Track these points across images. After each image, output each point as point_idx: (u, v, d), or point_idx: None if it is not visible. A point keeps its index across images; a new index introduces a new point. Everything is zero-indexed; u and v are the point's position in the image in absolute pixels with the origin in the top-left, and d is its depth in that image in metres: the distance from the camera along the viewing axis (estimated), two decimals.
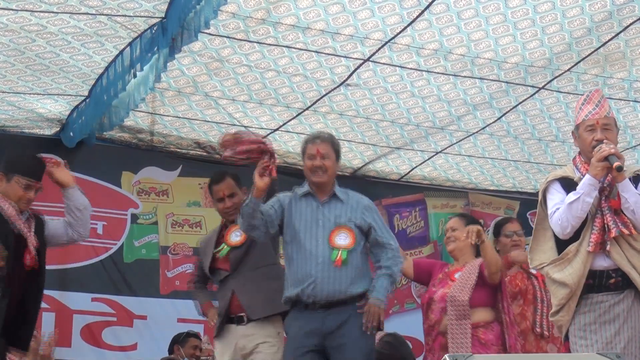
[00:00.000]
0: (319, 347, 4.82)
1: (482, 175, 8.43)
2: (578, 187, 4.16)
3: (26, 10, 5.24)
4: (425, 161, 8.10)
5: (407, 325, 8.02)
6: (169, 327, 7.27)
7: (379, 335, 6.50)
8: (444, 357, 3.52)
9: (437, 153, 7.91)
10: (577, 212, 4.13)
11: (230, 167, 5.73)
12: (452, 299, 5.20)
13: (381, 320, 4.84)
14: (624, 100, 6.81)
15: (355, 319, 4.81)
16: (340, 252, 4.82)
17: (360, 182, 8.33)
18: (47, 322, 6.96)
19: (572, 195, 4.15)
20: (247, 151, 4.82)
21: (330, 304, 4.81)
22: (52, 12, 5.28)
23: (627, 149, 7.65)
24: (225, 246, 5.39)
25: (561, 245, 4.28)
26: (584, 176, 4.20)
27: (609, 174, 4.16)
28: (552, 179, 4.36)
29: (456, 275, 5.35)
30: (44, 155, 7.11)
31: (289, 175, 7.97)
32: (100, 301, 7.24)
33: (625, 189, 4.12)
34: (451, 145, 7.70)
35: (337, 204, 5.00)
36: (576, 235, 4.21)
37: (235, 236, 5.34)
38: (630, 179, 4.21)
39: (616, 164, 4.06)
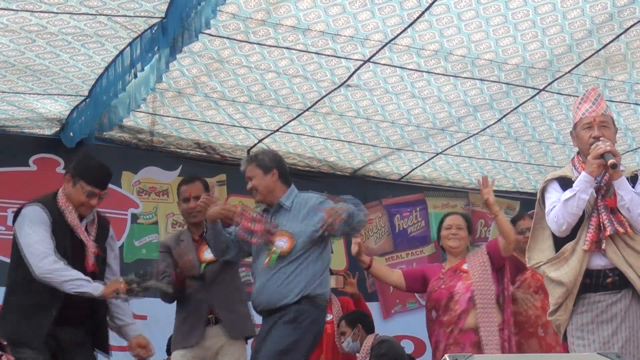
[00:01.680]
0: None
1: (483, 176, 8.41)
2: (574, 184, 4.18)
3: (26, 11, 5.23)
4: (425, 162, 8.10)
5: (410, 324, 8.04)
6: (169, 327, 7.22)
7: (374, 337, 6.53)
8: (444, 357, 3.52)
9: (437, 154, 7.91)
10: (573, 209, 4.14)
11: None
12: (480, 290, 5.34)
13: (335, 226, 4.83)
14: (625, 102, 6.81)
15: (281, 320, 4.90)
16: (270, 255, 4.92)
17: (360, 182, 8.35)
18: None
19: (568, 193, 4.17)
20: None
21: (268, 311, 4.96)
22: (52, 12, 5.27)
23: (628, 151, 7.65)
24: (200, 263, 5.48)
25: (559, 244, 4.29)
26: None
27: (606, 173, 4.17)
28: (550, 179, 4.39)
29: (464, 267, 5.50)
30: (44, 155, 7.22)
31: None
32: None
33: (621, 186, 4.13)
34: (451, 146, 7.70)
35: (285, 213, 5.08)
36: (573, 234, 4.22)
37: (208, 253, 5.38)
38: (628, 178, 4.22)
39: (610, 161, 4.07)
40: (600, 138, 4.20)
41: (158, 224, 7.59)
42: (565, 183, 4.28)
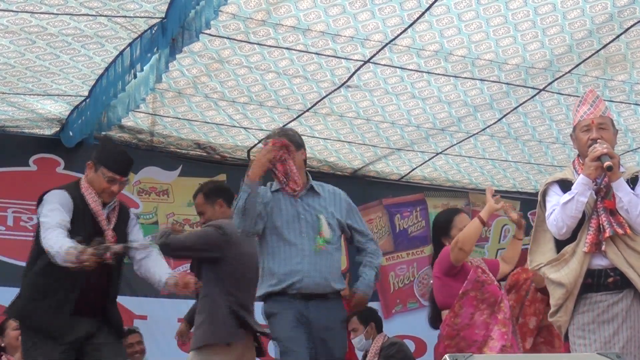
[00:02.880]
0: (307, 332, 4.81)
1: (483, 176, 8.43)
2: (573, 187, 4.19)
3: (26, 12, 5.24)
4: (425, 162, 8.10)
5: (410, 324, 8.04)
6: (169, 327, 7.26)
7: (384, 338, 6.54)
8: (444, 357, 3.52)
9: (437, 154, 7.91)
10: (572, 211, 4.15)
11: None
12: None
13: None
14: (625, 102, 6.81)
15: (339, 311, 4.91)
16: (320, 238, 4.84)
17: (361, 182, 8.35)
18: None
19: (566, 195, 4.18)
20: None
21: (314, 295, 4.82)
22: (52, 13, 5.28)
23: (628, 151, 7.65)
24: None
25: (560, 246, 4.29)
26: None
27: (606, 174, 4.17)
28: (551, 181, 4.39)
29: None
30: (44, 155, 7.22)
31: None
32: None
33: (620, 188, 4.14)
34: (451, 146, 7.70)
35: (315, 196, 4.96)
36: (573, 236, 4.23)
37: None
38: (628, 180, 4.23)
39: (607, 163, 4.08)
40: (598, 140, 4.20)
41: (158, 223, 7.59)
42: (566, 186, 4.28)
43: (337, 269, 4.94)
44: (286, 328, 4.74)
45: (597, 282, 4.18)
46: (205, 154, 7.73)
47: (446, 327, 5.20)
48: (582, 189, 4.14)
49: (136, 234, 5.13)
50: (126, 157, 5.07)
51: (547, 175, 8.29)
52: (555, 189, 4.32)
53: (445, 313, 5.28)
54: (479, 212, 5.49)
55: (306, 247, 4.81)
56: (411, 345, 7.89)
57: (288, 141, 4.88)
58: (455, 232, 5.33)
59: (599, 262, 4.18)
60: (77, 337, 4.79)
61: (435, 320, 5.43)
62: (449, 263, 5.26)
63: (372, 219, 8.42)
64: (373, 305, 7.58)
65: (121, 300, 7.18)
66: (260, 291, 4.90)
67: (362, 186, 8.37)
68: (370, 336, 6.51)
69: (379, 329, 6.61)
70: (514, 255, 5.49)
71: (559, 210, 4.19)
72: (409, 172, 8.36)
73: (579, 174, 4.27)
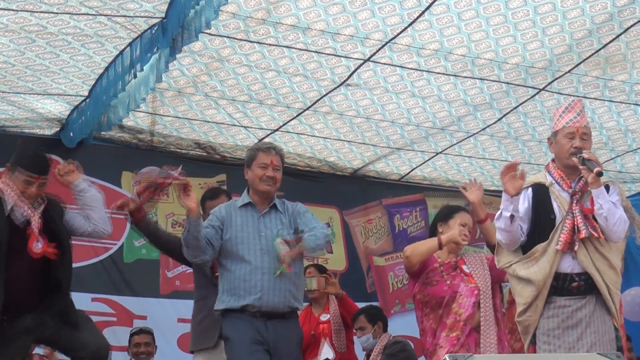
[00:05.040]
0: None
1: (483, 175, 8.43)
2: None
3: (26, 11, 5.24)
4: (425, 162, 8.10)
5: (409, 324, 7.98)
6: (169, 327, 7.27)
7: (388, 337, 6.54)
8: (444, 357, 3.52)
9: (437, 154, 7.91)
10: (501, 225, 4.35)
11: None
12: (485, 295, 5.21)
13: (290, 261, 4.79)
14: (625, 103, 6.81)
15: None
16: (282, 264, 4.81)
17: (361, 182, 8.35)
18: None
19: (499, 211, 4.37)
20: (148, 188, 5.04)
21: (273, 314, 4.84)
22: (52, 12, 5.28)
23: (628, 151, 7.66)
24: None
25: (526, 248, 4.42)
26: (555, 181, 4.39)
27: (580, 180, 4.32)
28: (524, 187, 4.48)
29: (464, 268, 5.30)
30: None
31: (289, 176, 7.97)
32: (100, 301, 7.22)
33: (601, 195, 4.28)
34: (451, 145, 7.70)
35: (277, 214, 4.99)
36: (545, 236, 4.35)
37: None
38: None
39: (596, 169, 4.19)
40: (584, 150, 4.32)
41: (158, 224, 7.58)
42: (540, 190, 4.43)
43: (297, 287, 4.94)
44: (243, 353, 4.76)
45: (561, 285, 4.31)
46: (205, 153, 7.73)
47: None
48: (504, 205, 4.33)
49: (72, 215, 5.19)
50: (41, 156, 5.10)
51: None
52: (524, 194, 4.44)
53: None
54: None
55: (266, 265, 4.82)
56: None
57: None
58: (454, 223, 5.28)
59: (567, 265, 4.31)
60: (18, 333, 4.86)
61: None
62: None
63: (371, 219, 8.43)
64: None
65: (121, 300, 7.29)
66: (219, 305, 4.92)
67: (362, 186, 8.38)
68: (378, 335, 6.51)
69: (385, 328, 6.62)
70: (492, 236, 5.39)
71: (496, 226, 4.40)
72: (409, 172, 8.36)
73: (553, 177, 4.43)
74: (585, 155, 4.26)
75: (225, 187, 7.75)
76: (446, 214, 5.44)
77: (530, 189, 4.45)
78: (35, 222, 4.92)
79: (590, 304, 4.27)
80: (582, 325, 4.24)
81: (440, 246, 5.19)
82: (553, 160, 4.51)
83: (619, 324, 4.37)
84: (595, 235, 4.26)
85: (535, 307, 4.31)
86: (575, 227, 4.28)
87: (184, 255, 4.90)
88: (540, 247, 4.33)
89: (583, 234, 4.25)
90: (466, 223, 5.32)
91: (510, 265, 4.44)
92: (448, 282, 5.25)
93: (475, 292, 5.20)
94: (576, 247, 4.26)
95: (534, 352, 4.36)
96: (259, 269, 4.80)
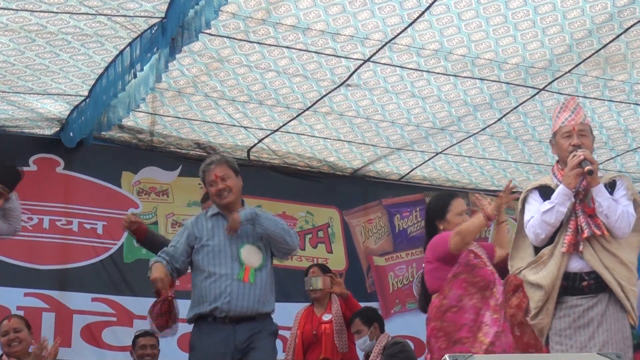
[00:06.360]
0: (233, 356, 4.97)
1: (483, 175, 8.43)
2: (552, 197, 4.30)
3: (26, 10, 5.24)
4: (425, 162, 8.10)
5: (409, 324, 8.03)
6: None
7: (387, 337, 6.53)
8: (444, 357, 3.51)
9: (437, 154, 7.90)
10: (551, 220, 4.28)
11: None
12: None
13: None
14: (625, 102, 6.80)
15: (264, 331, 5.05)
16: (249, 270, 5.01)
17: (361, 182, 8.35)
18: (47, 322, 6.97)
19: (546, 204, 4.30)
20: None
21: (240, 318, 4.99)
22: (52, 12, 5.28)
23: (628, 151, 7.65)
24: None
25: (538, 250, 4.40)
26: (560, 183, 4.33)
27: (584, 179, 4.29)
28: (530, 188, 4.51)
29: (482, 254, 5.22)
30: (44, 155, 7.22)
31: (289, 176, 8.01)
32: (100, 301, 7.23)
33: (599, 193, 4.27)
34: (451, 145, 7.70)
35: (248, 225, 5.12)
36: (551, 239, 4.33)
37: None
38: (606, 185, 4.36)
39: (587, 168, 4.20)
40: (579, 149, 4.30)
41: (158, 224, 7.59)
42: (546, 192, 4.40)
43: (267, 291, 5.08)
44: None
45: (572, 285, 4.28)
46: (205, 153, 7.72)
47: (433, 308, 5.06)
48: (562, 200, 4.26)
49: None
50: (13, 171, 5.42)
51: (547, 175, 8.28)
52: (535, 195, 4.44)
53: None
54: (478, 212, 5.44)
55: (235, 271, 4.99)
56: (410, 346, 7.89)
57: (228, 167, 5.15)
58: (452, 217, 5.18)
59: (575, 265, 4.28)
60: None
61: (425, 305, 5.32)
62: (446, 249, 5.07)
63: (371, 219, 8.42)
64: (372, 305, 7.58)
65: (121, 300, 7.29)
66: (189, 314, 5.10)
67: (362, 186, 8.37)
68: (375, 336, 6.49)
69: (382, 329, 6.60)
70: (502, 239, 5.36)
71: (537, 218, 4.31)
72: (409, 172, 8.36)
73: (558, 179, 4.39)
74: (579, 153, 4.25)
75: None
76: (441, 210, 5.30)
77: (536, 191, 4.43)
78: None
79: (602, 302, 4.23)
80: (593, 324, 4.21)
81: (490, 218, 5.01)
82: (558, 162, 4.49)
83: (635, 321, 4.33)
84: (598, 233, 4.22)
85: (547, 310, 4.29)
86: (579, 227, 4.25)
87: None
88: (546, 250, 4.31)
89: (585, 233, 4.22)
90: (463, 210, 5.26)
91: (520, 271, 4.43)
92: (489, 267, 5.15)
93: (497, 277, 5.13)
94: (581, 248, 4.23)
95: (547, 353, 4.35)
96: (228, 275, 4.98)
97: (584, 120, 4.46)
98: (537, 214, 4.31)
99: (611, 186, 4.38)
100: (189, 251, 5.09)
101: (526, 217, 4.41)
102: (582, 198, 4.31)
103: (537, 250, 4.40)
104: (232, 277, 4.97)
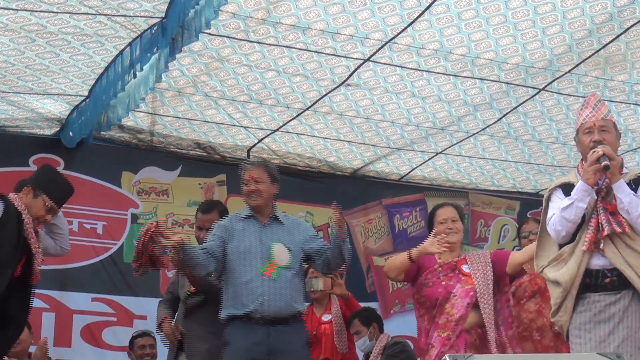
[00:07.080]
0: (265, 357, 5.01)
1: (483, 175, 8.43)
2: (572, 193, 4.26)
3: (26, 10, 5.24)
4: (425, 162, 8.10)
5: (409, 324, 7.99)
6: None
7: (387, 337, 6.54)
8: (444, 358, 3.51)
9: (437, 154, 7.90)
10: (571, 216, 4.23)
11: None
12: (483, 295, 5.13)
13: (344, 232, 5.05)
14: (625, 103, 6.81)
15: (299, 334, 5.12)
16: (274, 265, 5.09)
17: (361, 182, 8.35)
18: (47, 322, 6.97)
19: (566, 200, 4.26)
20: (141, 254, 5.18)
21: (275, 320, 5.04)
22: (52, 12, 5.28)
23: (628, 151, 7.65)
24: (187, 289, 5.66)
25: (560, 248, 4.35)
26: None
27: (606, 176, 4.23)
28: (555, 186, 4.46)
29: (464, 268, 5.22)
30: (44, 155, 7.22)
31: (289, 176, 7.99)
32: (100, 301, 7.23)
33: (620, 189, 4.21)
34: (451, 145, 7.70)
35: (278, 225, 5.22)
36: (573, 236, 4.29)
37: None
38: (630, 181, 4.29)
39: (604, 163, 4.15)
40: (599, 145, 4.25)
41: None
42: (569, 189, 4.34)
43: (297, 291, 5.16)
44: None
45: (594, 282, 4.23)
46: (205, 154, 7.73)
47: None
48: (581, 195, 4.22)
49: (46, 241, 5.30)
50: (70, 188, 5.18)
51: (547, 175, 8.29)
52: (559, 193, 4.40)
53: None
54: (478, 212, 5.47)
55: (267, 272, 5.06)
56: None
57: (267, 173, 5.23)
58: (437, 225, 5.26)
59: (597, 262, 4.23)
60: None
61: None
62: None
63: (371, 219, 8.42)
64: (371, 305, 7.58)
65: (121, 300, 7.29)
66: (223, 314, 5.11)
67: (362, 186, 8.37)
68: (374, 337, 6.49)
69: (381, 329, 6.60)
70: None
71: (557, 215, 4.27)
72: (409, 172, 8.36)
73: (581, 176, 4.31)
74: (598, 149, 4.19)
75: (225, 187, 7.79)
76: (430, 218, 5.43)
77: (560, 189, 4.39)
78: (38, 260, 4.91)
79: (625, 299, 4.17)
80: (614, 319, 4.16)
81: (412, 259, 5.15)
82: (582, 160, 4.42)
83: None
84: (619, 230, 4.16)
85: (565, 308, 4.26)
86: (600, 224, 4.21)
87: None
88: (567, 248, 4.28)
89: (605, 231, 4.17)
90: (445, 219, 5.27)
91: (542, 269, 4.39)
92: (444, 283, 5.20)
93: (471, 293, 5.12)
94: (602, 245, 4.18)
95: (567, 349, 4.34)
96: (260, 276, 5.03)
97: (606, 115, 4.39)
98: (557, 211, 4.28)
99: (636, 183, 4.30)
100: (221, 251, 5.12)
101: (549, 214, 4.38)
102: (605, 195, 4.25)
103: (561, 247, 4.36)
104: (263, 278, 5.03)
